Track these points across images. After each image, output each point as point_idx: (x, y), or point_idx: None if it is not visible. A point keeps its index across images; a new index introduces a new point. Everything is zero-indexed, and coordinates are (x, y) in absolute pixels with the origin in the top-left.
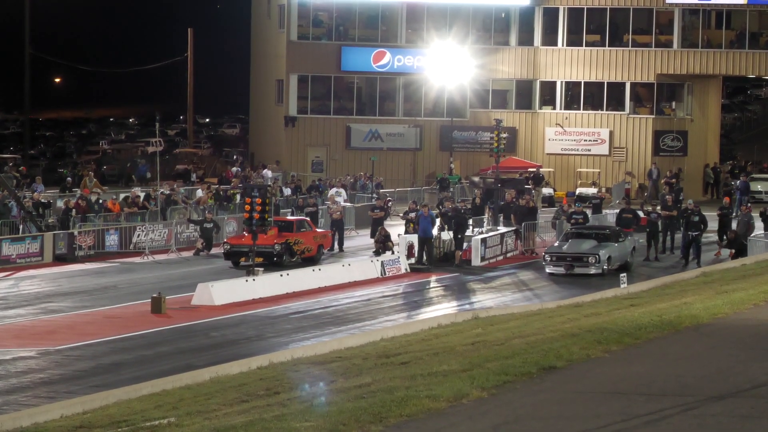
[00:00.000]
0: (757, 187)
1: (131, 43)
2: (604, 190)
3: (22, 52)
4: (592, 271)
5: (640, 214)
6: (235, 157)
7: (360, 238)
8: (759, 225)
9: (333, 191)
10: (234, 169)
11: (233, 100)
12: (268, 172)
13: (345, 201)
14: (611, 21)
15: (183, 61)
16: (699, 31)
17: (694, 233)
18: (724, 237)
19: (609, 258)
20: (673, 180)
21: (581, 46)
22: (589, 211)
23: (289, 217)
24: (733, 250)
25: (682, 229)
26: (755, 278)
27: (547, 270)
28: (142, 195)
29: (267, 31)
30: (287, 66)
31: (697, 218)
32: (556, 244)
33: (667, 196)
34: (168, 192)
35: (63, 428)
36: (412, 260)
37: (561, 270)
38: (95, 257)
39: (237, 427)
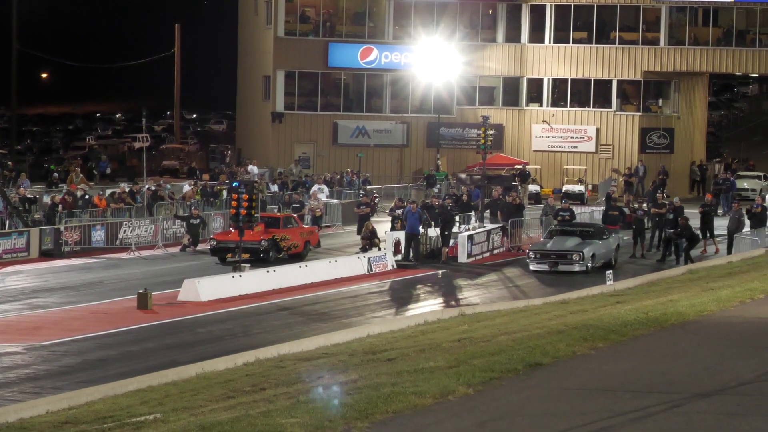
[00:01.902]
0: (744, 184)
1: (118, 39)
2: (591, 187)
3: (8, 47)
4: (576, 268)
5: (626, 211)
6: (223, 152)
7: (346, 235)
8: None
9: (315, 188)
10: (250, 167)
11: (220, 96)
12: (254, 168)
13: (327, 197)
14: (598, 18)
15: (170, 57)
16: (686, 28)
17: (668, 230)
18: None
19: (593, 255)
20: (632, 178)
21: (568, 43)
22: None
23: (276, 213)
24: (718, 247)
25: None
26: (741, 276)
27: (531, 267)
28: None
29: (254, 27)
30: (274, 62)
31: (671, 216)
32: (540, 241)
33: (657, 194)
34: (154, 188)
35: (49, 424)
36: (399, 257)
37: (545, 267)
38: (81, 253)
39: (223, 423)
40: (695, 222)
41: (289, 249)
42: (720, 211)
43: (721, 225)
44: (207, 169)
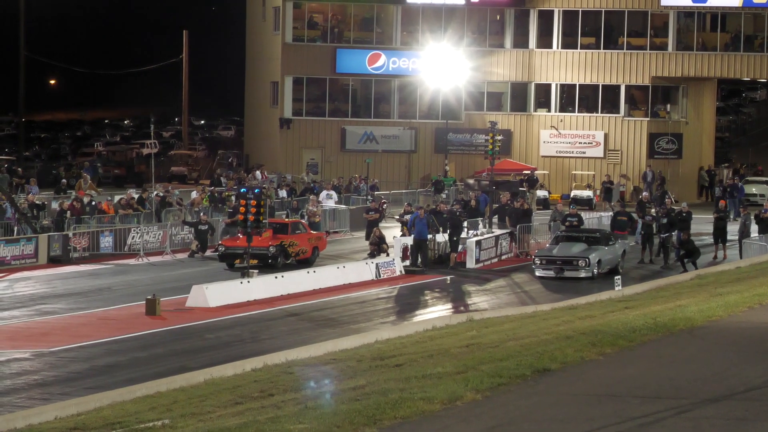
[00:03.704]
0: (752, 189)
1: (126, 45)
2: (598, 192)
3: (17, 53)
4: (582, 274)
5: (635, 216)
6: (230, 159)
7: (354, 241)
8: (753, 227)
9: (324, 194)
10: (257, 173)
11: (228, 102)
12: (258, 174)
13: (336, 203)
14: (606, 23)
15: (178, 63)
16: (694, 33)
17: (663, 235)
18: (680, 238)
19: (599, 261)
20: (610, 185)
21: (576, 48)
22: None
23: (284, 219)
24: (723, 252)
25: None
26: (750, 281)
27: (537, 273)
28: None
29: (262, 33)
30: (282, 68)
31: (665, 220)
32: (546, 247)
33: (666, 199)
34: (163, 194)
35: (57, 430)
36: (407, 262)
37: (551, 273)
38: (90, 259)
39: (231, 429)
40: (707, 227)
41: (298, 255)
42: (731, 216)
43: (731, 230)
44: (214, 174)
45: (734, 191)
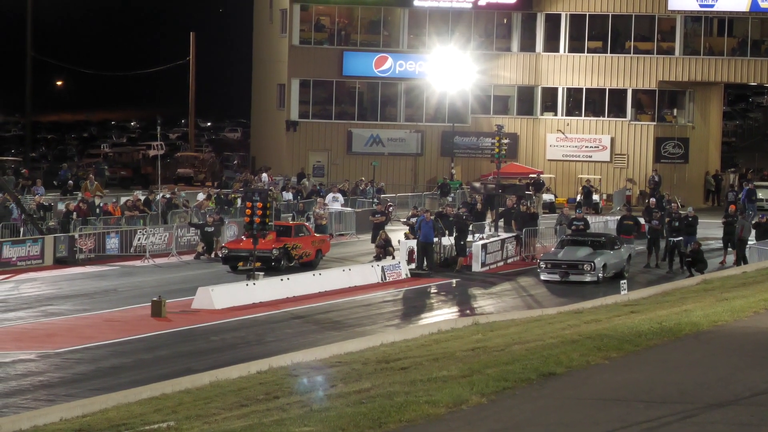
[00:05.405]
0: (758, 195)
1: (133, 47)
2: (605, 196)
3: (24, 54)
4: (588, 278)
5: (641, 221)
6: (235, 161)
7: (360, 243)
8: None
9: (330, 197)
10: (264, 176)
11: (235, 104)
12: (264, 177)
13: (342, 206)
14: (613, 28)
15: (185, 65)
16: (701, 38)
17: (676, 239)
18: (688, 247)
19: (604, 266)
20: (592, 188)
21: (583, 52)
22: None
23: (288, 222)
24: (731, 259)
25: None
26: (756, 286)
27: (542, 277)
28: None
29: (269, 36)
30: (289, 70)
31: (677, 224)
32: (551, 251)
33: (672, 204)
34: (169, 196)
35: (62, 431)
36: (413, 265)
37: (556, 277)
38: (96, 260)
39: (236, 431)
40: (718, 232)
41: (301, 257)
42: (751, 213)
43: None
44: (215, 178)
45: (752, 195)
